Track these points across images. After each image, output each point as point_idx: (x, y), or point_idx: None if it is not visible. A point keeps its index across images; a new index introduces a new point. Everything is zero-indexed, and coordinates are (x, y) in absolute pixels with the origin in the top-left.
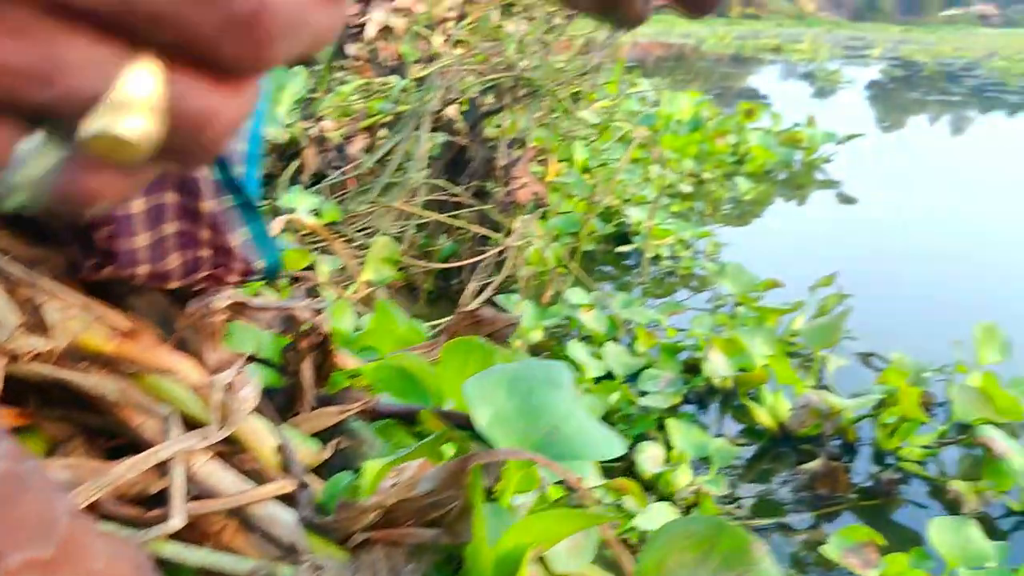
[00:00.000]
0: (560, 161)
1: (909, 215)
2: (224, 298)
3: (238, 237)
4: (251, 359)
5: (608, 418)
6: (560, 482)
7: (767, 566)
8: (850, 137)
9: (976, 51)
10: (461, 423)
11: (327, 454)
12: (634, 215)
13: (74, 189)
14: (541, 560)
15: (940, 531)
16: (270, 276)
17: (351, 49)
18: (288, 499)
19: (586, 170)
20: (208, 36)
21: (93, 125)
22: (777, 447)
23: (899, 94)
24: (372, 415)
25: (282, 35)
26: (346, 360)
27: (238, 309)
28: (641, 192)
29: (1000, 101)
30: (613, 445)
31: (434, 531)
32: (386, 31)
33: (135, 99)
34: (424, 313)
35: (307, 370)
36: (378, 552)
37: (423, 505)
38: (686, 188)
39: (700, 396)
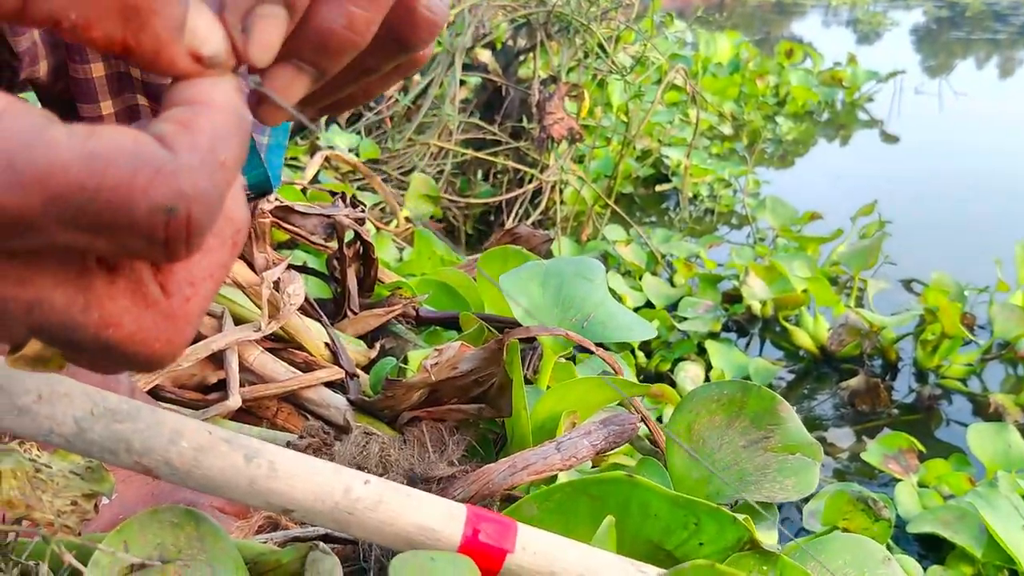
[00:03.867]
0: (595, 106)
1: (952, 151)
2: (270, 201)
3: None
4: (301, 269)
5: (648, 345)
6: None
7: (794, 424)
8: (892, 74)
9: None
10: (499, 323)
11: (374, 353)
12: (673, 156)
13: None
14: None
15: (980, 437)
16: (256, 194)
17: None
18: (338, 387)
19: (622, 111)
20: (138, 247)
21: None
22: (818, 369)
23: (944, 35)
24: (415, 321)
25: (206, 223)
26: (389, 275)
27: (283, 213)
28: (680, 134)
29: None
30: (645, 328)
31: (476, 407)
32: None
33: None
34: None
35: (352, 277)
36: (425, 428)
37: (465, 383)
38: (726, 130)
39: (740, 325)
